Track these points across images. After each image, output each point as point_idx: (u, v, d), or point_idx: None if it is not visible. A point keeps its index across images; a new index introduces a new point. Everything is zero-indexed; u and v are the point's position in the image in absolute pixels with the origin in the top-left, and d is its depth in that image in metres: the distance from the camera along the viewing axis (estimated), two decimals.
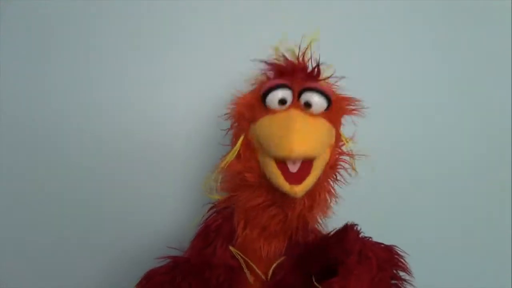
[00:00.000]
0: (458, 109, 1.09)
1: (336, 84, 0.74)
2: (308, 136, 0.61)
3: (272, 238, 0.72)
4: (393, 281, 0.67)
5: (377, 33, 1.08)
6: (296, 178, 0.62)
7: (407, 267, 0.68)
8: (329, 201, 0.71)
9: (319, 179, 0.66)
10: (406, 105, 1.08)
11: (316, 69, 0.71)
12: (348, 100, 0.73)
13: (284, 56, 0.73)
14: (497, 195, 1.10)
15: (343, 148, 0.73)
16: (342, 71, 0.73)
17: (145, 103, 1.04)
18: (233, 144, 0.72)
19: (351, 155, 0.73)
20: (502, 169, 1.10)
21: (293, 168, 0.62)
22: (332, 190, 0.72)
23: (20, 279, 1.02)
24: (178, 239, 0.79)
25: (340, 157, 0.72)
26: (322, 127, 0.65)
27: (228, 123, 0.77)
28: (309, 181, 0.63)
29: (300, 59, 0.72)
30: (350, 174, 0.74)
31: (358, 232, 0.69)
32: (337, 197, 0.73)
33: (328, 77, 0.73)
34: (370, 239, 0.68)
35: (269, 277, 0.73)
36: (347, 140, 0.73)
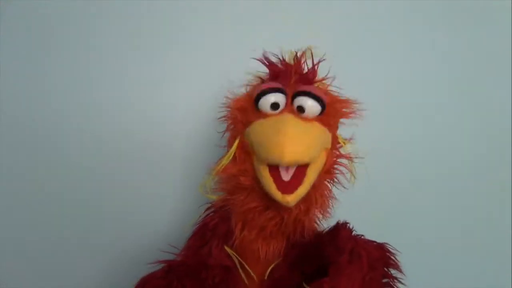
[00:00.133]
0: (458, 109, 1.11)
1: (332, 85, 0.75)
2: (300, 141, 0.61)
3: (271, 239, 0.72)
4: (384, 280, 0.67)
5: (377, 33, 1.09)
6: (289, 187, 0.62)
7: (398, 265, 0.68)
8: (326, 204, 0.72)
9: (315, 183, 0.67)
10: (406, 105, 1.09)
11: (311, 71, 0.72)
12: (345, 102, 0.73)
13: (280, 57, 0.74)
14: (497, 195, 1.11)
15: (341, 150, 0.74)
16: (342, 71, 0.75)
17: (145, 103, 1.05)
18: (229, 146, 0.72)
19: (349, 158, 0.74)
20: (502, 169, 1.11)
21: (286, 176, 0.63)
22: (329, 194, 0.73)
23: (20, 279, 1.04)
24: (178, 239, 0.79)
25: (338, 160, 0.73)
26: (316, 132, 0.65)
27: (224, 126, 0.77)
28: (302, 190, 0.63)
29: (295, 61, 0.72)
30: (348, 178, 0.74)
31: (350, 230, 0.70)
32: (334, 200, 0.74)
33: (323, 79, 0.74)
34: (363, 237, 0.69)
35: (266, 276, 0.73)
36: (345, 142, 0.74)
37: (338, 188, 0.75)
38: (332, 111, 0.69)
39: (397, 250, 0.69)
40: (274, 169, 0.63)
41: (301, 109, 0.65)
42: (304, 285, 0.65)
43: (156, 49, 1.07)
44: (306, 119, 0.65)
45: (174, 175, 1.07)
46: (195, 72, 1.07)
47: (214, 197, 0.77)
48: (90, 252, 1.05)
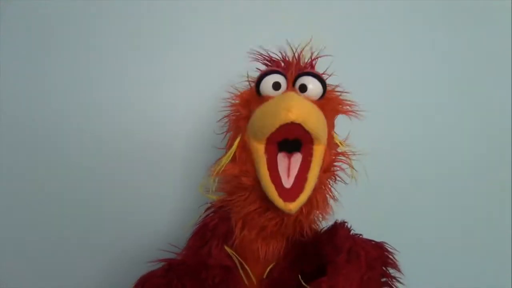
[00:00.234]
0: (458, 109, 1.12)
1: (331, 83, 0.75)
2: (307, 107, 0.63)
3: (270, 239, 0.73)
4: (383, 279, 0.68)
5: (377, 33, 1.11)
6: (290, 195, 0.63)
7: (397, 264, 0.69)
8: (326, 204, 0.72)
9: (315, 185, 0.67)
10: (406, 105, 1.10)
11: (309, 65, 0.74)
12: (342, 99, 0.74)
13: (279, 52, 0.75)
14: (497, 195, 1.12)
15: (338, 150, 0.74)
16: (341, 71, 0.76)
17: (145, 103, 1.07)
18: (228, 147, 0.73)
19: (346, 156, 0.74)
20: (502, 169, 1.12)
21: (287, 183, 0.64)
22: (329, 194, 0.73)
23: (20, 279, 1.05)
24: (178, 239, 0.80)
25: (336, 158, 0.73)
26: (319, 111, 0.66)
27: (224, 128, 0.79)
28: (303, 197, 0.64)
29: (295, 56, 0.74)
30: (348, 176, 0.75)
31: (348, 230, 0.71)
32: (335, 199, 0.74)
33: (322, 73, 0.74)
34: (361, 236, 0.70)
35: (265, 276, 0.74)
36: (341, 142, 0.74)
37: (338, 189, 0.75)
38: (329, 102, 0.71)
39: (396, 249, 0.70)
40: (275, 174, 0.64)
41: (303, 88, 0.67)
42: (303, 284, 0.66)
43: (156, 49, 1.08)
44: (308, 100, 0.66)
45: (174, 175, 1.08)
46: (195, 72, 1.08)
47: (214, 197, 0.77)
48: (90, 252, 1.06)
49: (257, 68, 0.77)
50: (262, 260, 0.74)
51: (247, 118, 0.70)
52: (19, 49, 1.06)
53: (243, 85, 0.78)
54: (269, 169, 0.65)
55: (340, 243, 0.66)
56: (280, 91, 0.67)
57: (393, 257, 0.70)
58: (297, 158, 0.66)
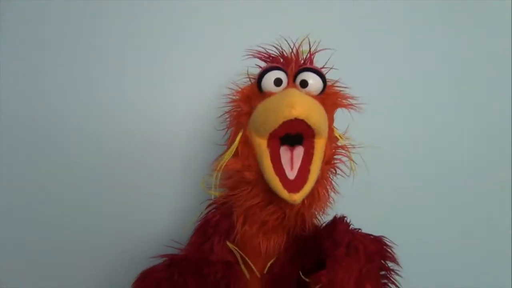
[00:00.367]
0: (458, 109, 1.13)
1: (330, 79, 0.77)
2: (309, 103, 0.64)
3: (271, 234, 0.75)
4: (382, 272, 0.70)
5: (376, 34, 1.12)
6: (295, 186, 0.64)
7: (395, 258, 0.70)
8: (327, 197, 0.74)
9: (317, 177, 0.68)
10: (406, 105, 1.12)
11: (308, 60, 0.76)
12: (341, 94, 0.76)
13: (278, 49, 0.77)
14: (497, 195, 1.13)
15: (338, 143, 0.76)
16: (340, 65, 0.78)
17: (145, 103, 1.08)
18: (230, 142, 0.75)
19: (346, 149, 0.76)
20: (502, 169, 1.14)
21: (291, 175, 0.65)
22: (330, 186, 0.75)
23: (20, 279, 1.06)
24: (178, 238, 0.81)
25: (336, 151, 0.75)
26: (320, 106, 0.68)
27: (225, 124, 0.80)
28: (307, 187, 0.65)
29: (294, 52, 0.76)
30: (348, 168, 0.77)
31: (347, 224, 0.73)
32: (336, 192, 0.76)
33: (322, 67, 0.76)
34: (360, 230, 0.72)
35: (265, 271, 0.76)
36: (341, 136, 0.76)
37: (338, 183, 0.77)
38: (329, 97, 0.73)
39: (394, 243, 0.72)
40: (279, 166, 0.66)
41: (304, 84, 0.69)
42: (303, 277, 0.67)
43: (156, 49, 1.09)
44: (309, 95, 0.68)
45: (174, 175, 1.09)
46: (195, 72, 1.09)
47: (216, 194, 0.79)
48: (90, 251, 1.07)
49: (256, 65, 0.79)
50: (263, 255, 0.76)
51: (249, 113, 0.72)
52: (19, 49, 1.07)
53: (244, 82, 0.79)
54: (272, 162, 0.66)
55: (339, 237, 0.68)
56: (282, 87, 0.69)
57: (392, 250, 0.71)
58: (299, 151, 0.67)
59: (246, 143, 0.71)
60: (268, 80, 0.69)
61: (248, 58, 0.79)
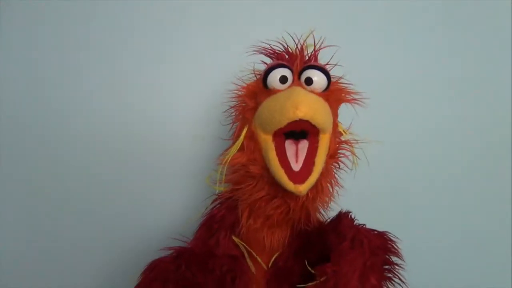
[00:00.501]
0: (458, 109, 1.14)
1: (334, 75, 0.78)
2: (314, 102, 0.66)
3: (275, 228, 0.77)
4: (385, 266, 0.70)
5: (380, 31, 1.14)
6: (300, 177, 0.66)
7: (399, 253, 0.72)
8: (331, 190, 0.76)
9: (322, 170, 0.70)
10: (409, 101, 1.14)
11: (312, 57, 0.77)
12: (345, 89, 0.77)
13: (283, 45, 0.79)
14: (497, 195, 1.14)
15: (342, 138, 0.78)
16: (346, 66, 0.79)
17: (147, 102, 1.09)
18: (236, 137, 0.76)
19: (350, 144, 0.78)
20: (502, 169, 1.15)
21: (296, 167, 0.67)
22: (334, 179, 0.77)
23: (20, 279, 1.06)
24: (182, 235, 0.81)
25: (340, 146, 0.76)
26: (325, 103, 0.69)
27: (230, 119, 0.81)
28: (312, 178, 0.67)
29: (299, 48, 0.77)
30: (351, 162, 0.78)
31: (352, 219, 0.74)
32: (340, 185, 0.78)
33: (326, 64, 0.78)
34: (364, 226, 0.72)
35: (270, 265, 0.78)
36: (345, 131, 0.78)
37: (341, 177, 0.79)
38: (334, 93, 0.74)
39: (397, 238, 0.73)
40: (284, 159, 0.68)
41: (309, 81, 0.70)
42: (309, 268, 0.69)
43: (156, 48, 1.10)
44: (313, 92, 0.69)
45: (174, 176, 1.10)
46: (195, 72, 1.10)
47: (221, 188, 0.80)
48: (91, 251, 1.08)
49: (262, 61, 0.80)
50: (267, 249, 0.78)
51: (254, 109, 0.73)
52: (19, 49, 1.08)
53: (249, 78, 0.81)
54: (277, 155, 0.68)
55: (344, 231, 0.69)
56: (287, 84, 0.71)
57: (395, 245, 0.72)
58: (304, 144, 0.69)
59: (252, 137, 0.73)
60: (274, 78, 0.70)
61: (253, 54, 0.79)
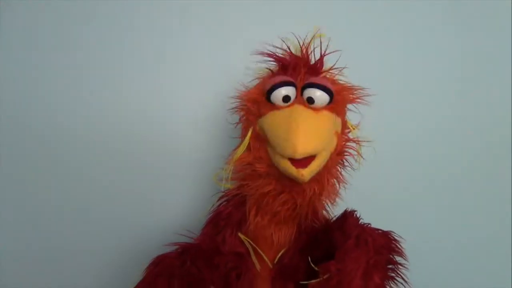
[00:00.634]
0: (458, 109, 1.15)
1: (339, 74, 0.80)
2: (311, 136, 0.66)
3: (282, 224, 0.78)
4: (389, 266, 0.71)
5: (376, 34, 1.14)
6: (303, 163, 0.67)
7: (403, 252, 0.72)
8: (337, 186, 0.77)
9: (327, 165, 0.72)
10: (406, 104, 1.14)
11: (318, 63, 0.77)
12: (351, 89, 0.78)
13: (287, 50, 0.79)
14: (497, 195, 1.15)
15: (350, 135, 0.79)
16: (349, 63, 0.80)
17: (148, 102, 1.09)
18: (243, 136, 0.77)
19: (357, 142, 0.79)
20: (502, 169, 1.16)
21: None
22: (340, 176, 0.78)
23: (20, 279, 1.06)
24: (188, 232, 0.82)
25: (347, 143, 0.78)
26: (326, 122, 0.70)
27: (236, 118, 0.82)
28: (315, 164, 0.68)
29: (304, 52, 0.77)
30: (357, 160, 0.79)
31: (357, 218, 0.74)
32: (345, 182, 0.79)
33: (331, 68, 0.79)
34: (369, 225, 0.73)
35: (275, 261, 0.78)
36: (353, 127, 0.79)
37: (347, 172, 0.80)
38: (340, 99, 0.74)
39: (402, 237, 0.74)
40: None
41: (310, 100, 0.70)
42: (312, 265, 0.70)
43: (156, 48, 1.10)
44: (316, 109, 0.70)
45: (174, 176, 1.10)
46: (195, 72, 1.10)
47: (227, 186, 0.81)
48: (92, 252, 1.08)
49: (267, 68, 0.80)
50: (275, 245, 0.78)
51: (256, 115, 0.74)
52: (19, 50, 1.08)
53: (251, 82, 0.82)
54: None
55: (349, 229, 0.69)
56: (290, 103, 0.71)
57: (399, 245, 0.73)
58: None
59: (257, 137, 0.74)
60: (277, 97, 0.71)
61: (255, 54, 0.80)
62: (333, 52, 0.79)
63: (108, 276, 1.08)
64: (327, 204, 0.80)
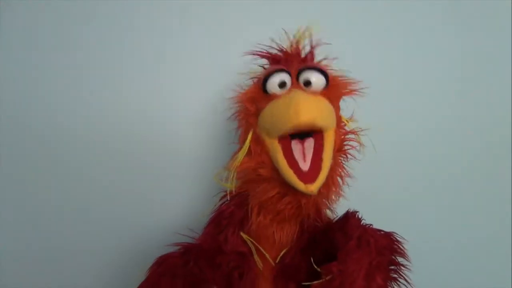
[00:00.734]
0: (458, 109, 1.15)
1: (331, 67, 0.79)
2: (314, 106, 0.67)
3: (284, 223, 0.77)
4: (391, 267, 0.70)
5: (375, 33, 1.14)
6: (309, 176, 0.67)
7: (405, 253, 0.72)
8: (341, 183, 0.77)
9: (331, 164, 0.71)
10: (406, 104, 1.13)
11: (310, 54, 0.77)
12: (344, 81, 0.77)
13: (278, 45, 0.79)
14: (497, 195, 1.15)
15: (346, 128, 0.78)
16: (342, 54, 0.80)
17: (148, 102, 1.08)
18: (242, 141, 0.77)
19: (355, 133, 0.78)
20: (502, 169, 1.15)
21: (305, 166, 0.68)
22: (343, 172, 0.77)
23: (20, 279, 1.06)
24: (189, 232, 0.82)
25: (345, 137, 0.77)
26: (325, 102, 0.70)
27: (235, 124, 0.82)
28: (322, 177, 0.67)
29: (294, 46, 0.77)
30: (359, 151, 0.79)
31: (359, 219, 0.74)
32: (350, 176, 0.79)
33: (322, 59, 0.79)
34: (371, 226, 0.72)
35: (277, 261, 0.78)
36: (348, 120, 0.79)
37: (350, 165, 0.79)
38: (333, 89, 0.74)
39: (404, 239, 0.73)
40: (292, 160, 0.68)
41: (307, 83, 0.70)
42: (315, 266, 0.69)
43: (156, 48, 1.10)
44: (313, 93, 0.70)
45: (174, 176, 1.10)
46: (195, 72, 1.10)
47: (229, 185, 0.79)
48: (92, 252, 1.07)
49: (259, 65, 0.81)
50: (277, 244, 0.78)
51: (256, 114, 0.74)
52: (19, 50, 1.07)
53: (247, 81, 0.81)
54: (285, 156, 0.69)
55: (351, 230, 0.69)
56: (286, 88, 0.71)
57: (402, 246, 0.72)
58: (310, 143, 0.69)
59: (258, 141, 0.74)
60: (273, 84, 0.71)
61: (248, 55, 0.80)
62: (322, 44, 0.79)
63: (108, 276, 1.08)
64: (329, 203, 0.79)
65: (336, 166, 0.75)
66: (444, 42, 1.15)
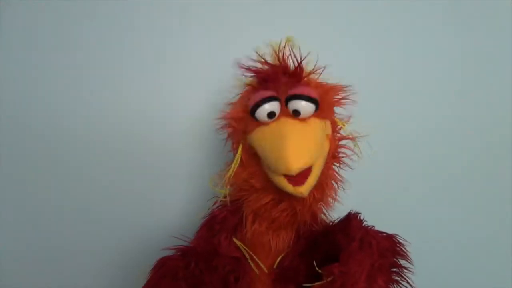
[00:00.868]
0: (458, 109, 1.14)
1: (322, 76, 0.77)
2: (302, 149, 0.64)
3: (280, 230, 0.76)
4: (393, 269, 0.70)
5: (375, 33, 1.13)
6: (299, 180, 0.66)
7: (407, 255, 0.71)
8: (336, 187, 0.76)
9: (324, 170, 0.71)
10: (406, 104, 1.12)
11: (298, 68, 0.73)
12: (337, 89, 0.76)
13: (264, 60, 0.75)
14: (497, 195, 1.14)
15: (342, 132, 0.78)
16: (341, 71, 0.76)
17: (145, 103, 1.08)
18: (234, 150, 0.76)
19: (351, 138, 0.78)
20: (502, 169, 1.15)
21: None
22: (338, 177, 0.77)
23: (20, 279, 1.06)
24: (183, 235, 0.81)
25: (340, 142, 0.77)
26: (315, 130, 0.68)
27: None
28: (312, 179, 0.67)
29: (281, 58, 0.74)
30: (355, 156, 0.78)
31: (361, 221, 0.73)
32: (343, 182, 0.78)
33: (312, 72, 0.75)
34: (373, 227, 0.72)
35: (275, 266, 0.77)
36: (343, 123, 0.77)
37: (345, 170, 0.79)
38: (325, 103, 0.72)
39: (406, 241, 0.73)
40: None
41: (296, 113, 0.68)
42: (316, 268, 0.68)
43: (156, 48, 1.09)
44: (303, 119, 0.68)
45: (174, 176, 1.09)
46: (195, 72, 1.09)
47: (222, 191, 0.79)
48: (92, 252, 1.07)
49: (249, 84, 0.78)
50: (273, 251, 0.77)
51: (244, 131, 0.72)
52: (19, 50, 1.07)
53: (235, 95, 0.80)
54: None
55: (353, 232, 0.68)
56: (275, 118, 0.69)
57: (404, 248, 0.72)
58: None
59: (249, 151, 0.73)
60: (262, 114, 0.68)
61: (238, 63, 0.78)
62: (308, 54, 0.75)
63: (108, 276, 1.08)
64: (325, 208, 0.79)
65: (330, 171, 0.74)
66: (444, 42, 1.14)
